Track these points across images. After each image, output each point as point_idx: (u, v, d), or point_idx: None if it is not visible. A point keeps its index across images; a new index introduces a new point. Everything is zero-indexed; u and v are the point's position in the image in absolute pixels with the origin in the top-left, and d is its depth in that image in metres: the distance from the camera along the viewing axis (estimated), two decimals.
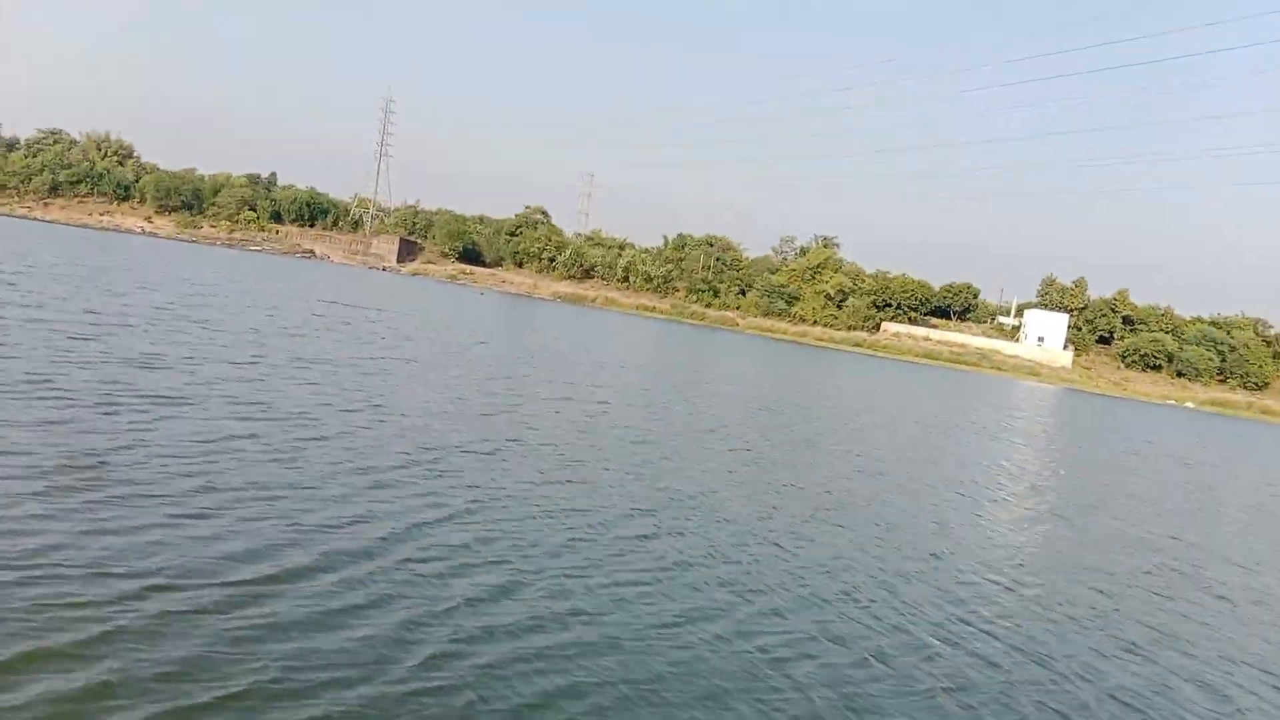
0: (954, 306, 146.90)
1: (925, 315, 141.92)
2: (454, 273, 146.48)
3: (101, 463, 10.63)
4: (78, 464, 10.46)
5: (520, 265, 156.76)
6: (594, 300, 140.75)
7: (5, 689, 5.71)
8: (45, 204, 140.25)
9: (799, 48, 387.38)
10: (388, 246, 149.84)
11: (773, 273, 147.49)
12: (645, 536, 11.59)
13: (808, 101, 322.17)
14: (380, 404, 18.38)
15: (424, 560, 9.20)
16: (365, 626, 7.43)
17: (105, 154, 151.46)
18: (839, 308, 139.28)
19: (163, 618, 6.95)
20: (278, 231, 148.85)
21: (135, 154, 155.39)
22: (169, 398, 15.24)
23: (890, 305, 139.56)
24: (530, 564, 9.67)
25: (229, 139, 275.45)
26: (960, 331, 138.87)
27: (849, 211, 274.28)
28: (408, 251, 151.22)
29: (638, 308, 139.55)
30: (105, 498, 9.43)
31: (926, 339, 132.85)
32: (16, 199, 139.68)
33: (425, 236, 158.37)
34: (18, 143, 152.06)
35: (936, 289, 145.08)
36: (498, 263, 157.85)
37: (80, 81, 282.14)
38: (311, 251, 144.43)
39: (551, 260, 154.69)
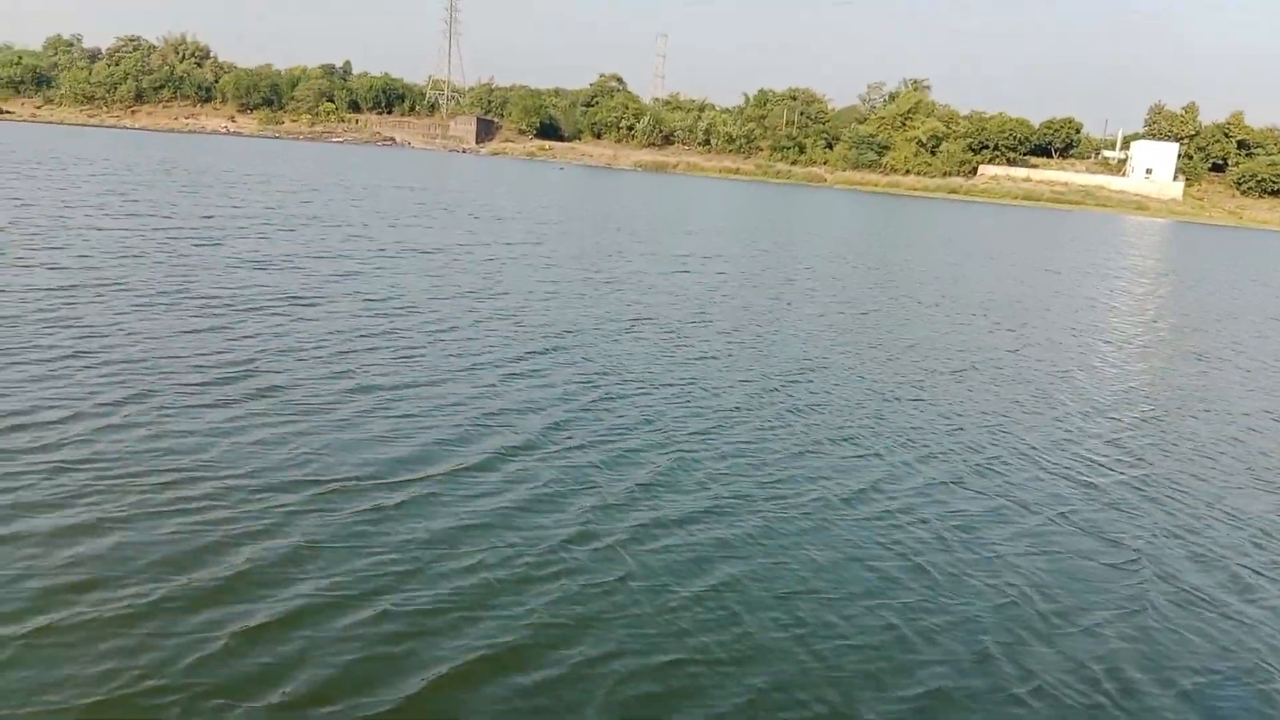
0: (1055, 144, 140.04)
1: (1025, 155, 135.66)
2: (532, 149, 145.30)
3: (250, 369, 10.83)
4: (228, 370, 10.68)
5: (598, 136, 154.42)
6: (675, 166, 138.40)
7: (190, 600, 5.86)
8: (132, 111, 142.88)
9: None
10: (465, 128, 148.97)
11: (860, 123, 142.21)
12: (784, 408, 11.41)
13: None
14: (496, 290, 18.38)
15: (584, 447, 9.18)
16: (539, 520, 7.45)
17: (183, 57, 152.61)
18: (932, 154, 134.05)
19: (341, 522, 7.06)
20: (357, 121, 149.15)
21: (212, 54, 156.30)
22: (301, 298, 15.45)
23: (987, 147, 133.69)
24: (686, 444, 9.57)
25: (301, 30, 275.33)
26: (1062, 169, 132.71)
27: (940, 51, 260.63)
28: (485, 131, 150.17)
29: (721, 171, 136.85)
30: (265, 406, 9.60)
31: (1026, 180, 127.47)
32: (105, 108, 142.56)
33: (501, 114, 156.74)
34: (99, 53, 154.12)
35: (1036, 126, 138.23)
36: (576, 135, 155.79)
37: None
38: (392, 139, 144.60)
39: (630, 128, 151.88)
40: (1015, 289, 26.71)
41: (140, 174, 41.70)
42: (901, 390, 12.95)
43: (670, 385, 12.02)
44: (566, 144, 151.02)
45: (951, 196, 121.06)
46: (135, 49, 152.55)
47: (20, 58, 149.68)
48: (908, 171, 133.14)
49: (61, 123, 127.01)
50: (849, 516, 8.06)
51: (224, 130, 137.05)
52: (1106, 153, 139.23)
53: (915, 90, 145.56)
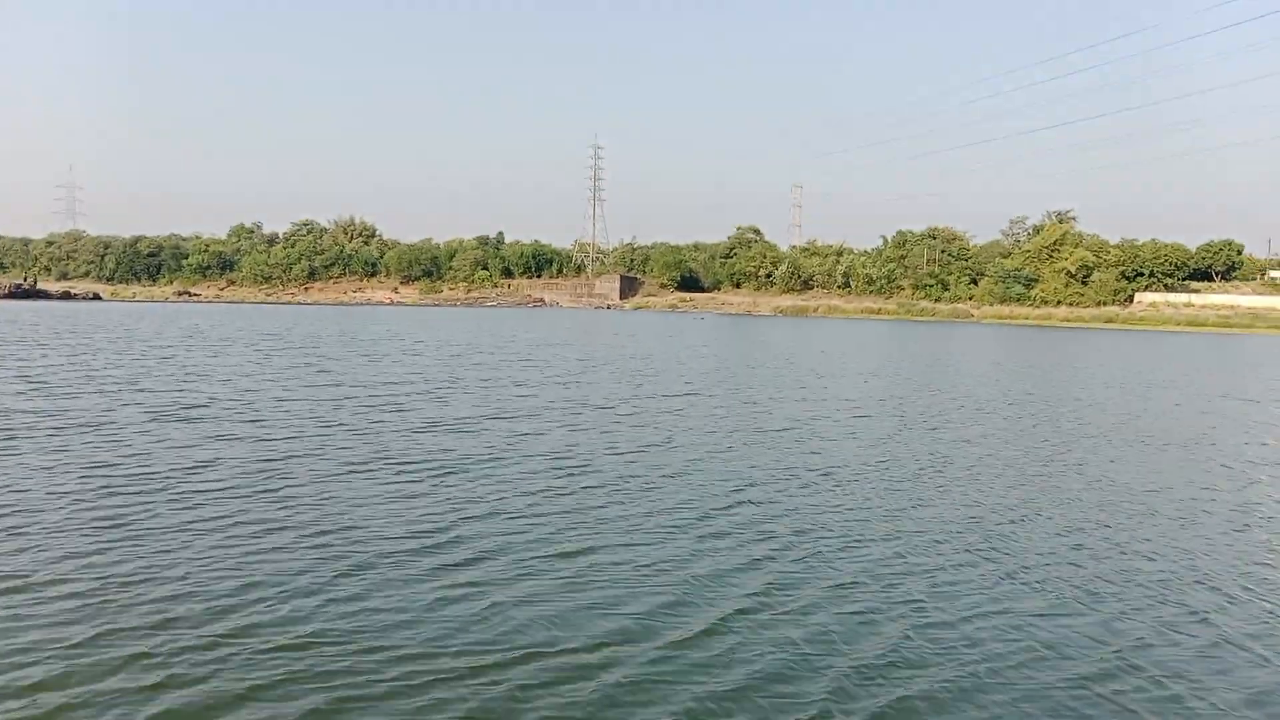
0: (1215, 267, 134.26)
1: (1183, 280, 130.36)
2: (674, 301, 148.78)
3: (452, 536, 11.07)
4: (431, 538, 10.94)
5: (738, 285, 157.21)
6: (815, 310, 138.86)
7: None
8: (305, 288, 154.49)
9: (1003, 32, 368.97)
10: (609, 285, 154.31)
11: (1005, 257, 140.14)
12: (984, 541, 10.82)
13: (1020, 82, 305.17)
14: (672, 443, 18.45)
15: (798, 614, 8.88)
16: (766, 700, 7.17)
17: (351, 236, 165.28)
18: (1084, 284, 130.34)
19: (563, 701, 6.97)
20: (509, 285, 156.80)
21: (378, 232, 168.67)
22: (488, 460, 15.86)
23: (1142, 274, 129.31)
24: (916, 604, 9.15)
25: (458, 205, 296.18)
26: (1226, 292, 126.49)
27: (1084, 183, 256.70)
28: (628, 287, 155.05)
29: (862, 311, 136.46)
30: (471, 575, 9.75)
31: (1188, 305, 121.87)
32: (281, 286, 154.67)
33: (643, 270, 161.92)
34: (277, 237, 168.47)
35: (1193, 250, 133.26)
36: (715, 286, 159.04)
37: (323, 174, 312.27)
38: (541, 300, 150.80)
39: (768, 276, 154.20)
40: (1218, 419, 25.10)
41: (323, 346, 44.51)
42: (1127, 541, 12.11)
43: (882, 540, 11.61)
44: (707, 295, 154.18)
45: (1109, 326, 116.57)
46: (309, 231, 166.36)
47: (208, 246, 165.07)
48: (1059, 303, 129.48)
49: (243, 301, 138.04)
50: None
51: (388, 301, 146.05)
52: (1273, 273, 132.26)
53: (1061, 221, 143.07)
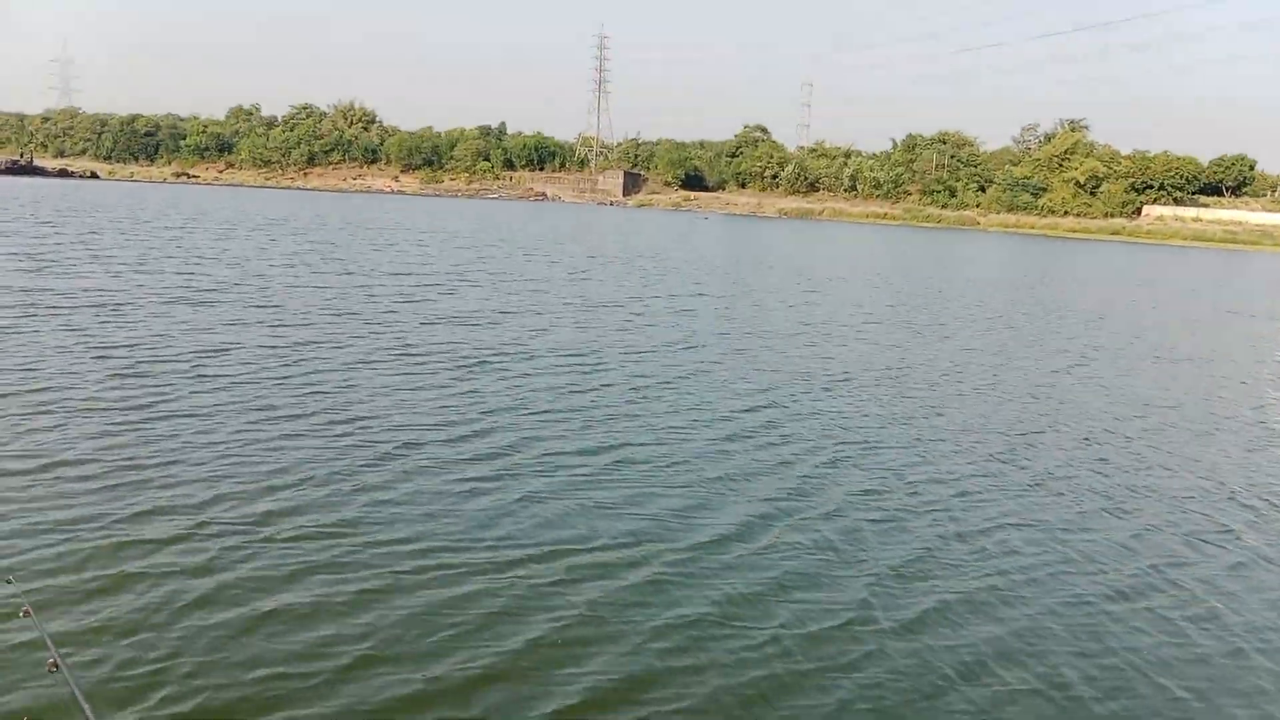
0: (1226, 181, 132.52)
1: (1193, 195, 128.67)
2: (678, 200, 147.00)
3: (480, 429, 11.12)
4: (459, 430, 10.98)
5: (743, 186, 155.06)
6: (820, 213, 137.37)
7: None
8: (305, 173, 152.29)
9: None
10: (613, 182, 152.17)
11: (1014, 165, 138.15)
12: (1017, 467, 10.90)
13: None
14: (692, 342, 18.40)
15: (833, 515, 8.96)
16: (805, 596, 7.26)
17: (351, 122, 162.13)
18: (1092, 195, 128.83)
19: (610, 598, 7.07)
20: (511, 178, 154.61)
21: (378, 119, 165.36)
22: (508, 354, 15.82)
23: (1151, 187, 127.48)
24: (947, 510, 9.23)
25: (460, 94, 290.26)
26: (1235, 208, 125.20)
27: (1097, 90, 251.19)
28: (632, 184, 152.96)
29: (867, 216, 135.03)
30: (500, 467, 9.82)
31: (1196, 220, 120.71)
32: (280, 171, 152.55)
33: (648, 167, 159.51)
34: (276, 120, 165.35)
35: (1204, 164, 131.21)
36: (720, 186, 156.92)
37: (327, 58, 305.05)
38: (543, 194, 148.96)
39: (774, 177, 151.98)
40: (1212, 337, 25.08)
41: (329, 234, 44.05)
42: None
43: (904, 446, 11.65)
44: (711, 194, 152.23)
45: (1114, 238, 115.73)
46: (308, 115, 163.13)
47: (206, 127, 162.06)
48: (1066, 213, 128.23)
49: (242, 184, 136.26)
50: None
51: (388, 189, 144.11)
52: None
53: (1072, 130, 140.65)
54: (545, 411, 12.19)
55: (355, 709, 5.32)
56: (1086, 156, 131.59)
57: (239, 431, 10.33)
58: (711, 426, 11.97)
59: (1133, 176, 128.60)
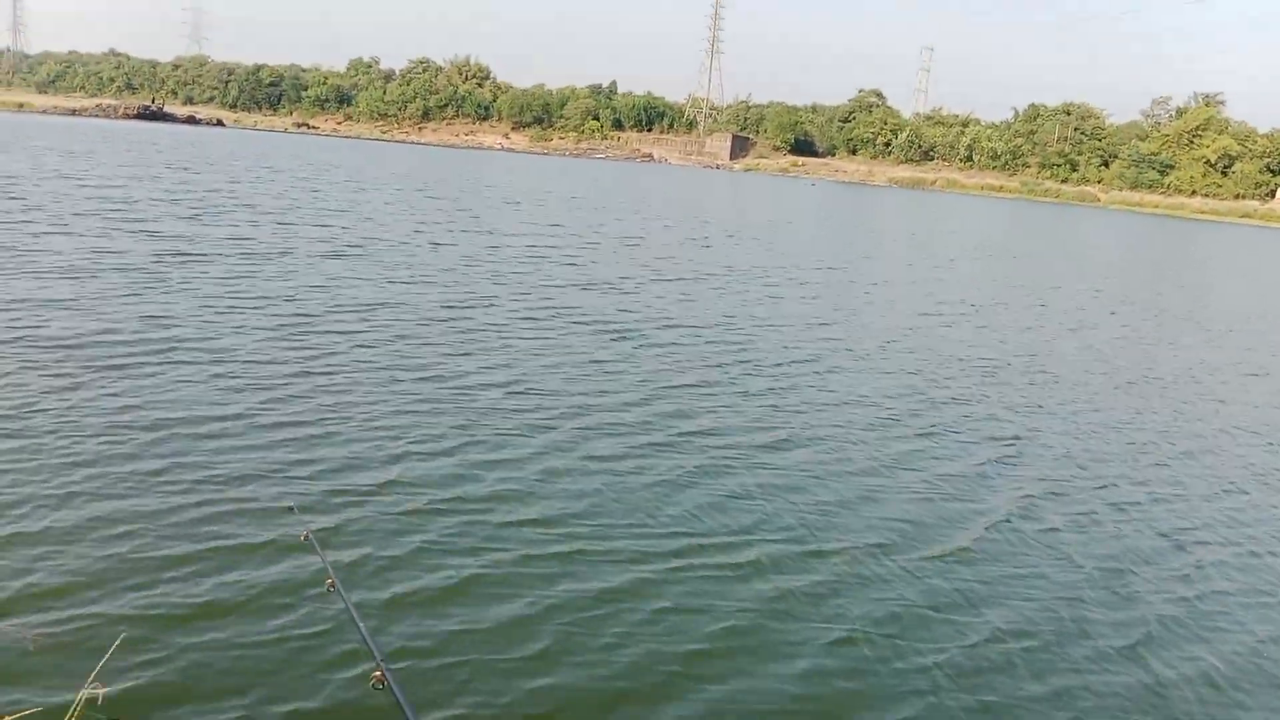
0: None
1: None
2: (785, 165, 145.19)
3: (643, 399, 11.47)
4: (608, 402, 11.35)
5: (854, 152, 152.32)
6: (933, 183, 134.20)
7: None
8: (419, 127, 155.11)
9: None
10: (720, 144, 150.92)
11: (1142, 140, 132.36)
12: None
13: None
14: (852, 321, 18.45)
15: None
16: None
17: (466, 78, 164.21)
18: (1224, 175, 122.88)
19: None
20: (618, 138, 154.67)
21: (492, 75, 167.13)
22: (655, 321, 16.12)
23: None
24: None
25: (574, 52, 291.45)
26: None
27: (1235, 63, 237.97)
28: (739, 148, 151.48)
29: (983, 188, 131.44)
30: (663, 439, 10.13)
31: None
32: (396, 124, 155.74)
33: (757, 130, 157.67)
34: (394, 74, 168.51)
35: None
36: (830, 152, 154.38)
37: (445, 13, 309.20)
38: (650, 155, 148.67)
39: (887, 144, 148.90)
40: None
41: (461, 193, 45.01)
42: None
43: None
44: (820, 160, 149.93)
45: (1245, 221, 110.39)
46: (424, 70, 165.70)
47: (326, 79, 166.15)
48: (1193, 193, 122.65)
49: (359, 137, 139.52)
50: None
51: (498, 146, 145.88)
52: None
53: (1207, 105, 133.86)
54: (721, 387, 12.40)
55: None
56: (1220, 134, 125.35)
57: (399, 392, 10.85)
58: (863, 409, 12.07)
59: (1269, 156, 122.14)
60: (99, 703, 4.58)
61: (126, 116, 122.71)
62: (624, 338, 14.84)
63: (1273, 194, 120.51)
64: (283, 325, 13.32)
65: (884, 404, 12.38)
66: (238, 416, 9.27)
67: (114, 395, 9.55)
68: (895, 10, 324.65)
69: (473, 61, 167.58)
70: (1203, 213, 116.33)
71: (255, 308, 14.33)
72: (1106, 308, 24.31)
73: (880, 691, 5.66)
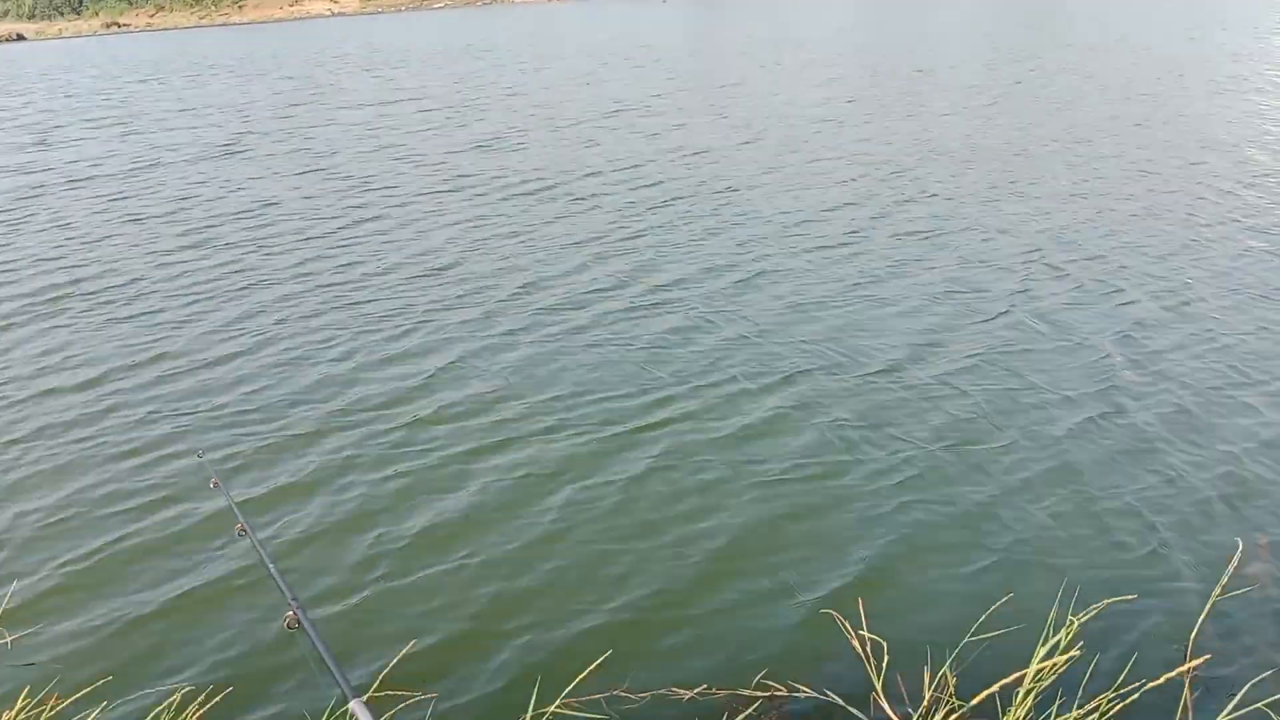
0: None
1: None
2: None
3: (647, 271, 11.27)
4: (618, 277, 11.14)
5: None
6: None
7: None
8: (239, 6, 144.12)
9: None
10: None
11: None
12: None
13: None
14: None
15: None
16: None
17: None
18: None
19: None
20: None
21: None
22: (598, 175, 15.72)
23: None
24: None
25: None
26: None
27: None
28: None
29: None
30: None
31: None
32: (214, 8, 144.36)
33: None
34: None
35: None
36: None
37: None
38: None
39: None
40: None
41: (310, 68, 42.27)
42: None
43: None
44: None
45: None
46: None
47: None
48: None
49: (175, 28, 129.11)
50: None
51: (327, 13, 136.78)
52: None
53: None
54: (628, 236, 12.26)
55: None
56: None
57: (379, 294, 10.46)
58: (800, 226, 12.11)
59: None
60: None
61: None
62: (536, 197, 14.44)
63: None
64: (166, 250, 12.35)
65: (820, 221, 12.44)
66: (132, 355, 8.70)
67: (3, 349, 8.99)
68: None
69: None
70: None
71: (137, 231, 13.44)
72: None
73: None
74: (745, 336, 8.34)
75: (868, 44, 38.98)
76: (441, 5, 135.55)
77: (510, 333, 8.75)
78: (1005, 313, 8.51)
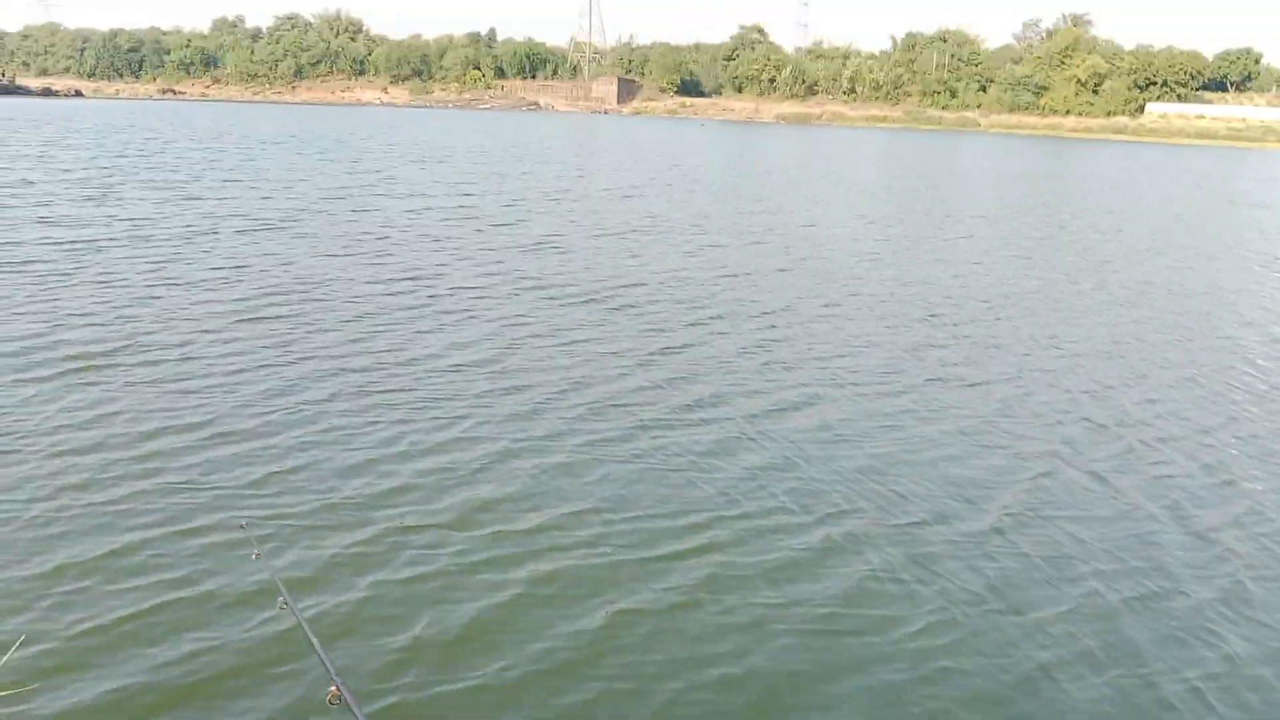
0: (1231, 77, 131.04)
1: (1197, 91, 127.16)
2: (673, 107, 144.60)
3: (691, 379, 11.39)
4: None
5: (740, 90, 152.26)
6: (819, 117, 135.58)
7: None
8: (293, 87, 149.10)
9: None
10: (607, 88, 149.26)
11: (1016, 63, 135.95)
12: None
13: None
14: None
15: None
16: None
17: (338, 32, 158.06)
18: (1095, 93, 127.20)
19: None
20: (502, 87, 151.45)
21: (365, 28, 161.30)
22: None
23: (1154, 84, 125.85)
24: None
25: (448, 1, 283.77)
26: (1240, 104, 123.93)
27: None
28: (626, 91, 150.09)
29: (867, 120, 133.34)
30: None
31: (1199, 117, 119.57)
32: (268, 85, 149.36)
33: (642, 73, 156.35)
34: (261, 32, 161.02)
35: (1210, 59, 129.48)
36: (717, 91, 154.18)
37: None
38: (536, 103, 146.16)
39: (771, 81, 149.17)
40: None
41: (361, 152, 43.44)
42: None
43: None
44: (708, 100, 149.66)
45: (1117, 137, 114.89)
46: (294, 27, 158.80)
47: (190, 41, 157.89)
48: (1068, 112, 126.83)
49: (229, 100, 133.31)
50: None
51: (378, 102, 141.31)
52: None
53: (1075, 25, 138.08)
54: (678, 349, 12.40)
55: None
56: (1089, 54, 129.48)
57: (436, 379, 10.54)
58: (844, 359, 12.23)
59: (1136, 73, 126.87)
60: None
61: None
62: (580, 302, 14.63)
63: (1141, 109, 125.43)
64: (217, 316, 12.56)
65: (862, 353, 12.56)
66: (179, 419, 8.73)
67: (51, 404, 9.00)
68: None
69: (344, 15, 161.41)
70: (1077, 131, 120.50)
71: (190, 295, 13.64)
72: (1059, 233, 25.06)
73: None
74: (789, 462, 8.35)
75: (899, 183, 39.94)
76: (487, 106, 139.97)
77: (553, 435, 8.78)
78: (1051, 470, 8.49)
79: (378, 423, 8.87)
